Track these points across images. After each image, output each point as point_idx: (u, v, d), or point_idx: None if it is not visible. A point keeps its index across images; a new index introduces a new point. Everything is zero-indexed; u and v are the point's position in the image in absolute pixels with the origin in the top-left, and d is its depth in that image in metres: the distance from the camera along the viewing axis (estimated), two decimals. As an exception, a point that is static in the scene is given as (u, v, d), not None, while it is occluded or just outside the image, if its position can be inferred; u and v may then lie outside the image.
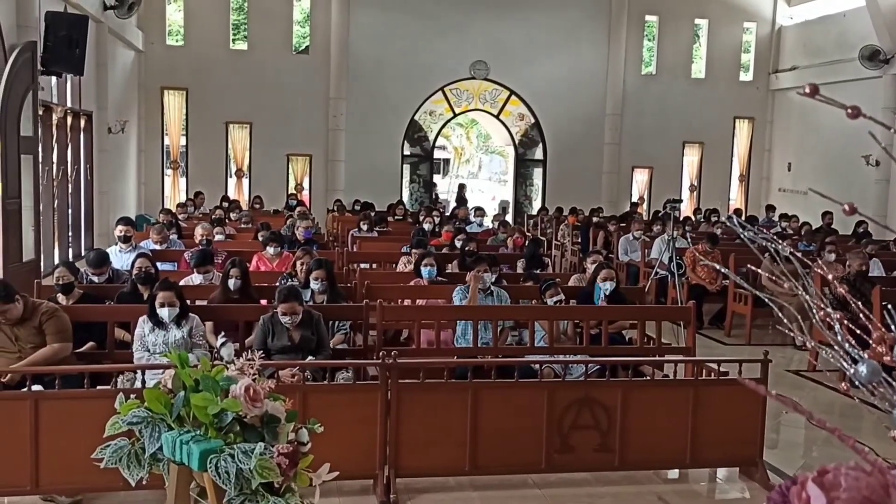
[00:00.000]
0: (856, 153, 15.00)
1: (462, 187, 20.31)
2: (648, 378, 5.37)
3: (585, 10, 17.14)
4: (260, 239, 8.76)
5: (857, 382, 1.14)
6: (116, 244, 8.11)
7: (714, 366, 5.08)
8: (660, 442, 4.90)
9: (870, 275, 8.13)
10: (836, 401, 6.92)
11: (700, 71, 18.03)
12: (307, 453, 1.87)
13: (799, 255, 1.50)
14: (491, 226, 12.03)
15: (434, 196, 18.68)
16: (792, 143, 17.52)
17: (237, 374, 1.77)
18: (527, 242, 9.53)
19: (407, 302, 6.67)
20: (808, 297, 1.60)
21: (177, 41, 16.50)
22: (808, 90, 1.03)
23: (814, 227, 13.06)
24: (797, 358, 8.35)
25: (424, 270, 6.93)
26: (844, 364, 1.17)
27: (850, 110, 1.06)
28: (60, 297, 5.62)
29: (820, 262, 7.83)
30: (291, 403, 1.93)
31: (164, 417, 1.77)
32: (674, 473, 5.22)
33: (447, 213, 14.82)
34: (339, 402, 4.64)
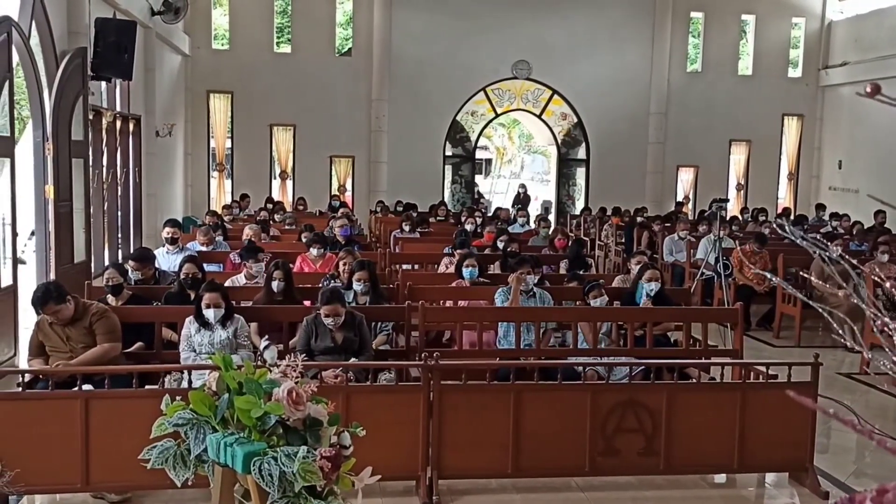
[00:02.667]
0: (910, 150, 14.60)
1: (523, 188, 20.24)
2: (694, 381, 5.28)
3: (628, 7, 16.96)
4: (303, 240, 8.84)
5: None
6: (164, 245, 8.27)
7: (763, 369, 4.98)
8: (706, 446, 4.82)
9: (925, 275, 7.88)
10: (889, 404, 6.73)
11: (747, 68, 17.71)
12: (349, 456, 1.87)
13: (846, 257, 1.45)
14: (533, 226, 11.95)
15: (476, 196, 18.65)
16: (842, 141, 17.10)
17: (280, 377, 1.78)
18: (570, 243, 9.45)
19: (449, 303, 6.67)
20: (859, 300, 1.55)
21: (222, 45, 16.76)
22: (869, 90, 0.99)
23: (866, 227, 12.72)
24: (848, 360, 8.15)
25: (466, 271, 6.92)
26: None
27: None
28: (110, 298, 5.73)
29: (872, 262, 7.62)
30: (334, 406, 1.94)
31: (208, 419, 1.78)
32: (721, 478, 5.12)
33: (489, 214, 14.78)
34: (382, 403, 4.65)
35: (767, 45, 17.54)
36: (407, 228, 11.00)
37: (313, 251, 7.97)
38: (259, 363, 1.96)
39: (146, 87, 12.86)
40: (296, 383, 1.75)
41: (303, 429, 1.72)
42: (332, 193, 16.26)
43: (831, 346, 8.81)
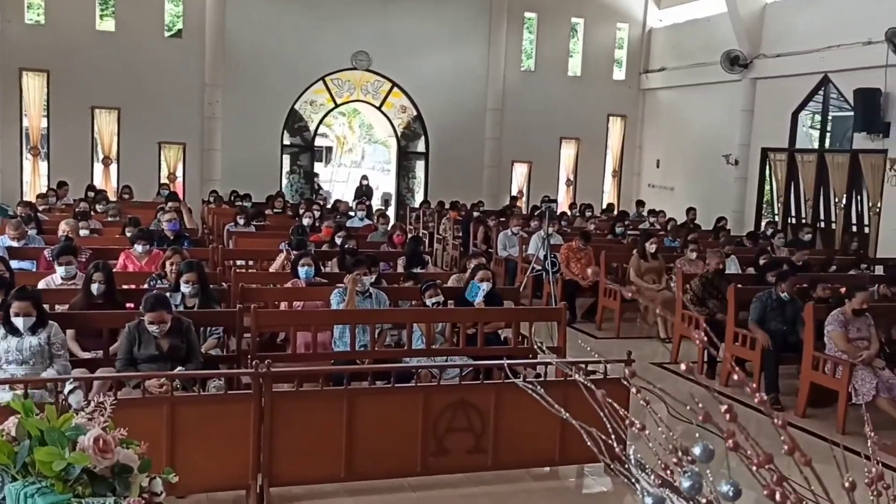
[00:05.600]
0: (717, 152, 15.91)
1: (365, 179, 20.06)
2: (521, 379, 5.51)
3: (467, 4, 17.30)
4: (128, 235, 8.39)
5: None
6: (-33, 241, 7.57)
7: (585, 366, 5.27)
8: (531, 441, 5.05)
9: (726, 272, 8.65)
10: (694, 391, 7.33)
11: (576, 68, 18.57)
12: None
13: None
14: (373, 220, 11.98)
15: (316, 187, 18.41)
16: (661, 141, 18.36)
17: (87, 421, 1.69)
18: (408, 239, 9.56)
19: (284, 305, 6.57)
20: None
21: (37, 19, 15.48)
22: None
23: (679, 223, 13.73)
24: (661, 350, 8.79)
25: (302, 271, 6.84)
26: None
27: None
28: None
29: (682, 259, 8.22)
30: (147, 446, 1.86)
31: (7, 468, 1.67)
32: (544, 471, 5.39)
33: (328, 206, 14.65)
34: (211, 413, 4.53)
35: (595, 48, 18.47)
36: (242, 221, 10.69)
37: (138, 248, 7.58)
38: (64, 404, 1.85)
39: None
40: (104, 428, 1.67)
41: (111, 476, 1.64)
42: (162, 182, 15.49)
43: (647, 336, 9.51)
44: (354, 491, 4.85)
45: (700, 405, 1.06)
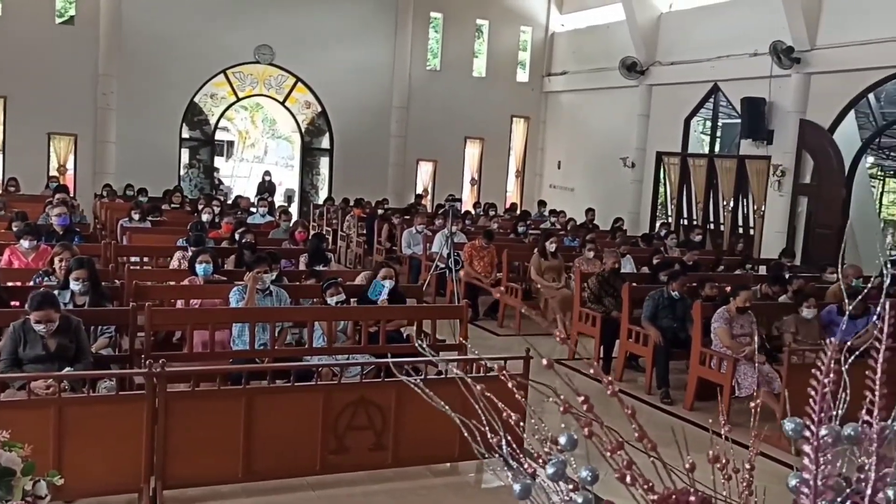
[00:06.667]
0: (615, 155, 16.45)
1: (268, 175, 19.61)
2: (422, 377, 5.56)
3: (374, 1, 17.25)
4: (14, 230, 7.97)
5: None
6: None
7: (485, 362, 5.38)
8: (432, 438, 5.09)
9: (622, 271, 8.96)
10: (589, 387, 7.57)
11: (481, 69, 18.80)
12: (46, 507, 1.74)
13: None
14: (273, 218, 11.79)
15: (216, 182, 17.95)
16: (562, 143, 18.80)
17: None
18: (310, 236, 9.47)
19: (180, 303, 6.40)
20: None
21: (-89, -2, 14.50)
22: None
23: (578, 223, 14.12)
24: (560, 348, 9.02)
25: (199, 268, 6.68)
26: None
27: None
28: None
29: (580, 259, 8.45)
30: (31, 449, 1.80)
31: None
32: (444, 467, 5.46)
33: (229, 202, 14.33)
34: (101, 414, 4.39)
35: (499, 50, 18.75)
36: (137, 217, 10.33)
37: (24, 243, 7.21)
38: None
39: None
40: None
41: (-10, 480, 1.58)
42: (51, 174, 14.77)
43: (546, 333, 9.74)
44: (253, 491, 4.78)
45: (562, 398, 1.13)
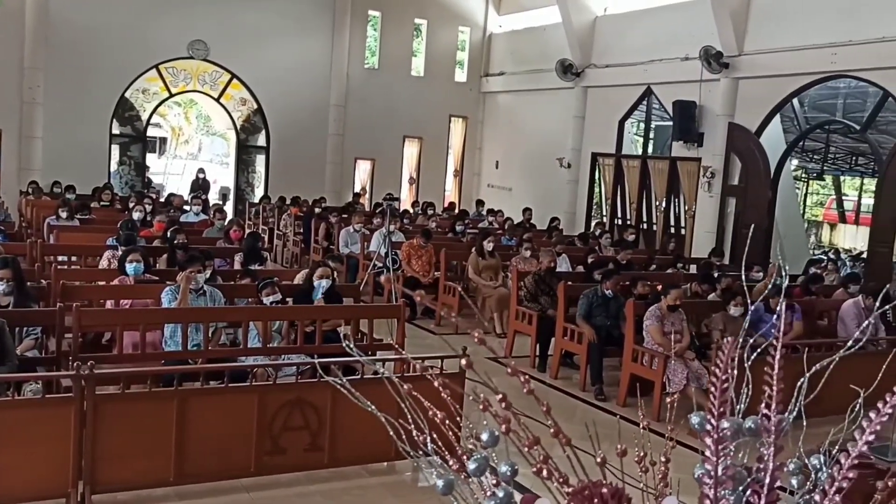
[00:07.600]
0: (552, 155, 16.68)
1: (202, 173, 19.15)
2: (357, 377, 5.56)
3: (311, -2, 17.11)
4: (-68, 228, 7.67)
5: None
6: None
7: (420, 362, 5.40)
8: (368, 438, 5.08)
9: (557, 270, 9.10)
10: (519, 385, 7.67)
11: (420, 68, 18.83)
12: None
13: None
14: (207, 217, 11.59)
15: (147, 180, 17.53)
16: (500, 143, 18.98)
17: None
18: (245, 235, 9.35)
19: (110, 303, 6.25)
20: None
21: None
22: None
23: (516, 222, 14.28)
24: (496, 344, 9.12)
25: (130, 267, 6.53)
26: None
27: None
28: None
29: (517, 258, 8.56)
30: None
31: None
32: (381, 466, 5.47)
33: (161, 200, 14.03)
34: (26, 418, 4.27)
35: (438, 50, 18.81)
36: (64, 215, 10.03)
37: (-56, 242, 6.95)
38: None
39: None
40: None
41: None
42: (-27, 171, 14.23)
43: (484, 332, 9.83)
44: (185, 494, 4.71)
45: (482, 396, 1.17)
